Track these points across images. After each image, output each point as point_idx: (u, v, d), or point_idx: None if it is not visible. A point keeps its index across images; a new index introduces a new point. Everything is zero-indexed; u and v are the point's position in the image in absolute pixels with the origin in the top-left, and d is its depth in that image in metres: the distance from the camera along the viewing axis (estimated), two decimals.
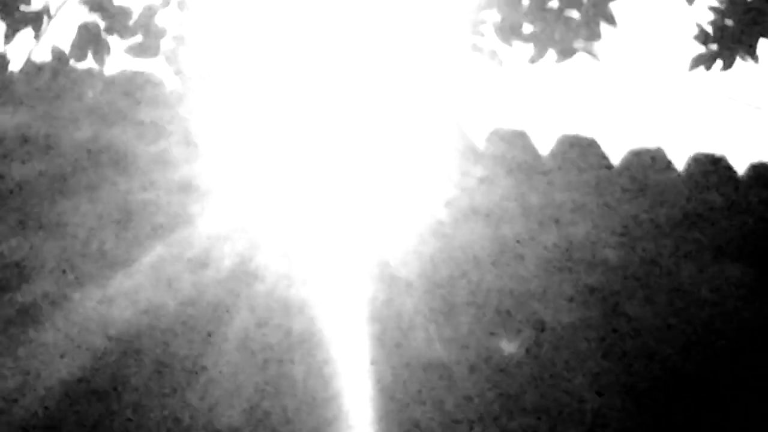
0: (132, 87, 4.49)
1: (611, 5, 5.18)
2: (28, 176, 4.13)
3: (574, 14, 5.12)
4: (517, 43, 5.22)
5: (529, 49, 5.22)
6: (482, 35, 5.21)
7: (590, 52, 5.14)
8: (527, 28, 5.12)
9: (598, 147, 4.81)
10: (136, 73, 4.57)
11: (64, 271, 3.94)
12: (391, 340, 4.10)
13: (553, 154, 4.72)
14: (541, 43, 5.13)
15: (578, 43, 5.09)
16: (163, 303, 3.86)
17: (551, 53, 5.19)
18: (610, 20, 5.23)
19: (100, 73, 4.77)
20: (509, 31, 5.12)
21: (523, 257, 4.52)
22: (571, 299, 4.52)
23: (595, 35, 5.18)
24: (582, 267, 4.51)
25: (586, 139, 4.97)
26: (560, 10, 5.10)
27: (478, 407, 4.26)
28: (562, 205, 4.64)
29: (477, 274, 4.27)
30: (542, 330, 4.44)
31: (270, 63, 5.11)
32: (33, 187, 4.13)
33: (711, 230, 4.81)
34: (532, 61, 5.20)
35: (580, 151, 4.81)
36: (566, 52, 5.15)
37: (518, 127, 4.80)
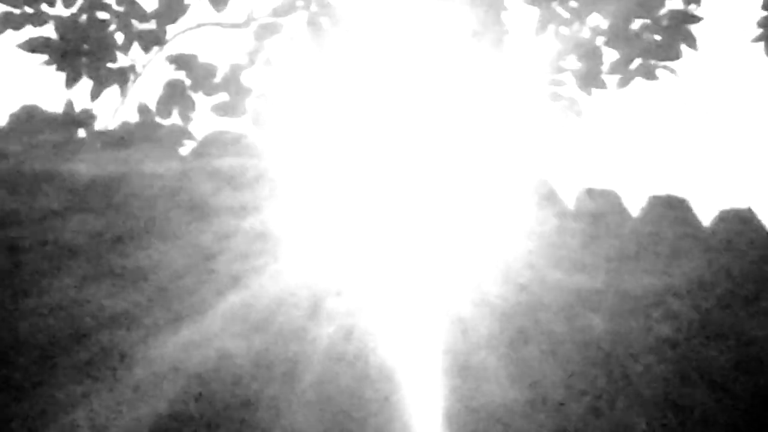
0: (215, 141, 4.56)
1: (692, 27, 5.18)
2: (109, 225, 4.20)
3: (656, 37, 5.12)
4: (595, 92, 5.25)
5: (611, 79, 5.23)
6: (562, 84, 5.22)
7: (670, 69, 5.11)
8: (610, 55, 5.11)
9: (688, 207, 4.77)
10: (220, 132, 4.67)
11: (141, 318, 3.99)
12: (465, 392, 4.07)
13: (644, 214, 4.71)
14: (624, 69, 5.11)
15: (658, 63, 5.08)
16: (238, 350, 3.87)
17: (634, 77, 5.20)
18: (691, 42, 5.19)
19: (185, 129, 4.86)
20: (590, 79, 5.12)
21: (597, 308, 4.47)
22: (644, 349, 4.44)
23: (675, 55, 5.15)
24: (656, 317, 4.43)
25: (676, 198, 4.94)
26: (640, 33, 5.09)
27: None
28: (640, 258, 4.61)
29: (551, 324, 4.23)
30: (614, 380, 4.37)
31: (348, 117, 5.18)
32: (113, 236, 4.19)
33: None
34: (619, 87, 5.17)
35: (671, 211, 4.78)
36: (648, 74, 5.11)
37: (609, 187, 4.79)
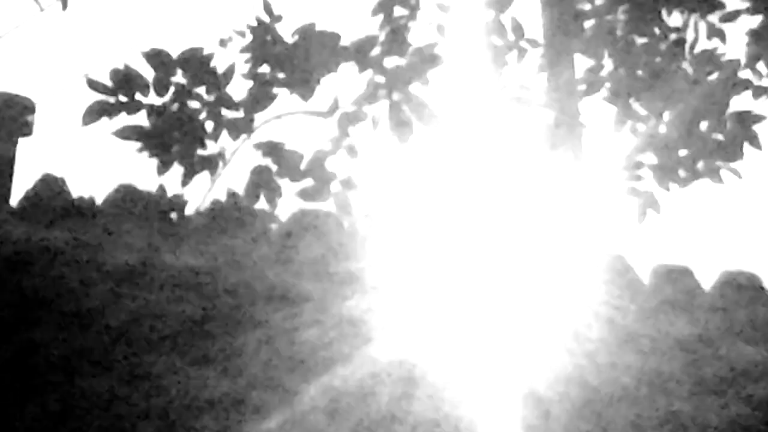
0: (299, 227, 4.65)
1: (755, 127, 5.19)
2: (201, 314, 4.29)
3: (719, 137, 5.14)
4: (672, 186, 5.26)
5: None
6: (640, 178, 5.24)
7: (733, 171, 5.12)
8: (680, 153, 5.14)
9: (759, 282, 4.78)
10: (304, 212, 4.73)
11: (237, 404, 4.08)
12: None
13: (714, 289, 4.71)
14: (690, 166, 5.13)
15: (721, 163, 5.09)
16: None
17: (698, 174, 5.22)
18: (755, 142, 5.20)
19: (272, 214, 4.95)
20: (667, 173, 5.14)
21: (672, 389, 4.46)
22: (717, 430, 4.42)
23: (737, 155, 5.15)
24: (730, 399, 4.39)
25: (745, 274, 4.93)
26: (708, 133, 5.11)
27: None
28: (716, 339, 4.60)
29: (627, 403, 4.23)
30: None
31: (429, 202, 5.24)
32: (207, 324, 4.29)
33: None
34: (683, 185, 5.19)
35: (740, 286, 4.77)
36: (712, 173, 5.12)
37: (681, 264, 4.80)
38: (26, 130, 5.46)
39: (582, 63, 5.56)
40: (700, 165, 5.22)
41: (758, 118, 5.33)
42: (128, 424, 4.01)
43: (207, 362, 4.16)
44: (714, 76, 5.22)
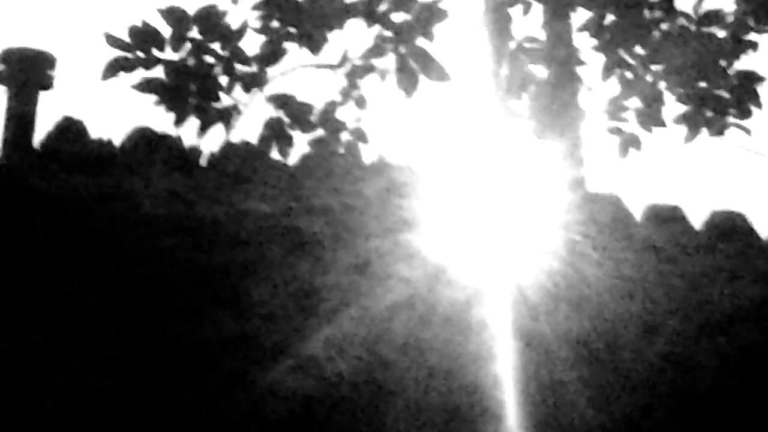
0: (316, 172, 4.86)
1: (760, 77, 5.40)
2: (220, 261, 4.51)
3: (724, 94, 5.32)
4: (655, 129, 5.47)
5: (676, 130, 5.44)
6: (624, 121, 5.45)
7: (742, 127, 5.31)
8: (677, 109, 5.33)
9: (746, 221, 5.00)
10: (317, 155, 4.93)
11: (247, 344, 4.33)
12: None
13: (705, 228, 4.93)
14: (693, 123, 5.32)
15: (730, 120, 5.28)
16: (339, 373, 4.18)
17: (703, 132, 5.40)
18: (756, 101, 5.45)
19: (284, 164, 5.15)
20: (650, 118, 5.35)
21: (661, 330, 4.70)
22: (706, 368, 4.65)
23: (745, 113, 5.34)
24: (720, 341, 4.63)
25: (734, 214, 5.18)
26: (709, 89, 5.29)
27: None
28: (706, 279, 4.82)
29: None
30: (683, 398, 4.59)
31: (435, 150, 5.44)
32: (225, 270, 4.52)
33: None
34: (686, 141, 5.39)
35: (729, 227, 5.00)
36: (719, 129, 5.32)
37: (672, 203, 5.02)
38: (47, 83, 5.64)
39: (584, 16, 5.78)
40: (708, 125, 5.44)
41: (761, 79, 5.55)
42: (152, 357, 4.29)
43: (224, 306, 4.40)
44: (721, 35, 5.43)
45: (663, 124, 5.56)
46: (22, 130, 5.37)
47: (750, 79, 5.43)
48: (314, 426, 4.35)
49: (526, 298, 4.67)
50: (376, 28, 5.78)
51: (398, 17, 5.75)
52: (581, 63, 5.49)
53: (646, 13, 5.49)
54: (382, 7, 5.73)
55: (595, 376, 4.68)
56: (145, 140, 5.01)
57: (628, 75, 5.59)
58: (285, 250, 4.64)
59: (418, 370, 4.52)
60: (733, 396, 4.88)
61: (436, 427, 4.38)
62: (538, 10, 5.74)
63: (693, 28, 5.25)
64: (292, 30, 5.77)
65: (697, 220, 5.19)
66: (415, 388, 4.47)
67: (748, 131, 5.34)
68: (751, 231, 5.10)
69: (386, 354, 4.47)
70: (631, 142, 5.70)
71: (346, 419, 4.42)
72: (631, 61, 5.51)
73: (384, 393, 4.49)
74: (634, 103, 5.63)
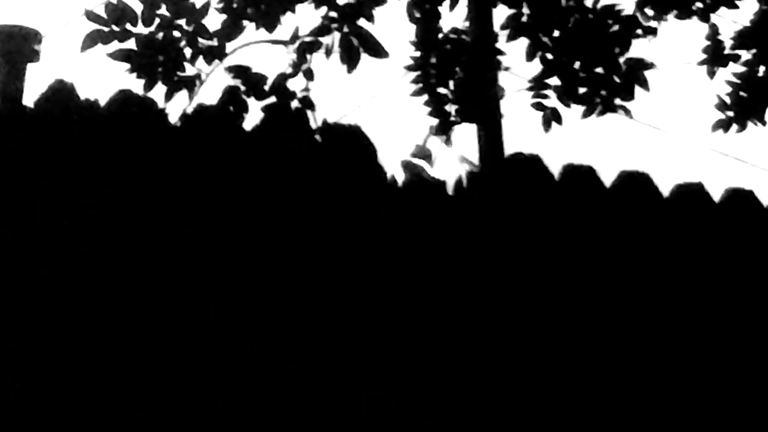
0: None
1: (646, 73, 6.23)
2: None
3: (616, 79, 6.17)
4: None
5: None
6: (546, 97, 6.28)
7: (626, 110, 6.16)
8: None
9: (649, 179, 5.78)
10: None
11: None
12: None
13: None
14: (591, 101, 6.16)
15: (617, 101, 6.13)
16: None
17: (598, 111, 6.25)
18: (644, 85, 6.25)
19: (239, 127, 5.90)
20: (568, 97, 6.18)
21: None
22: None
23: (630, 96, 6.19)
24: None
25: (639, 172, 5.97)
26: (606, 74, 6.14)
27: None
28: None
29: None
30: None
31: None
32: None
33: None
34: (584, 117, 6.23)
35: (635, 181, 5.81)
36: (608, 109, 6.17)
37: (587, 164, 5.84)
38: (34, 57, 6.39)
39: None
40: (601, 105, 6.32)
41: (649, 65, 6.43)
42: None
43: None
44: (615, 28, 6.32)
45: (581, 101, 6.41)
46: (12, 94, 6.17)
47: (639, 65, 6.30)
48: None
49: None
50: (323, 9, 6.51)
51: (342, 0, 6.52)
52: (501, 53, 6.30)
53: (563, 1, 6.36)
54: None
55: None
56: (126, 99, 5.83)
57: (549, 56, 6.43)
58: None
59: None
60: None
61: None
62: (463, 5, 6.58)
63: (591, 17, 6.12)
64: (250, 10, 6.44)
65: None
66: None
67: (628, 112, 6.19)
68: (653, 187, 5.95)
69: None
70: (553, 117, 6.49)
71: None
72: (550, 44, 6.36)
73: None
74: (554, 81, 6.44)
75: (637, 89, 6.41)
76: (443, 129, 6.57)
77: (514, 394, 5.52)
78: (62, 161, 5.70)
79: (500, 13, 6.52)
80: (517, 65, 6.39)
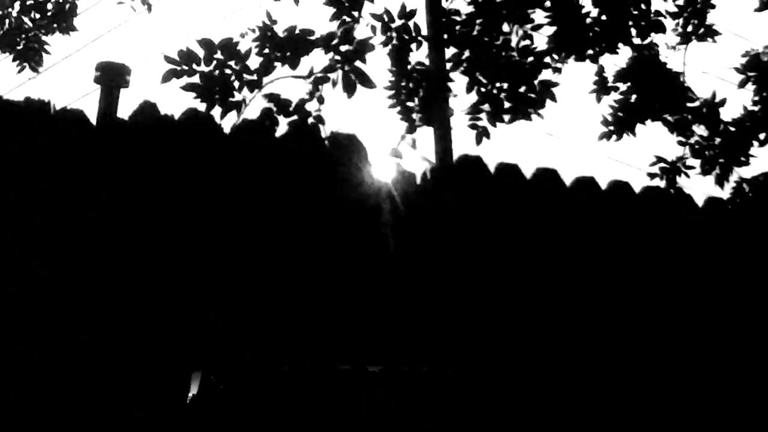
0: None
1: (554, 90, 8.33)
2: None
3: (532, 95, 8.27)
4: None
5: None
6: (479, 119, 8.47)
7: (540, 115, 8.29)
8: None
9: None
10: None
11: None
12: None
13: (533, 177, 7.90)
14: (514, 117, 8.27)
15: (532, 111, 8.23)
16: None
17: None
18: (552, 98, 8.33)
19: (272, 136, 7.94)
20: (495, 118, 8.37)
21: None
22: None
23: (542, 106, 8.28)
24: None
25: (550, 168, 8.18)
26: (525, 92, 8.25)
27: None
28: None
29: None
30: None
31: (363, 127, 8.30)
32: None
33: None
34: (509, 123, 8.31)
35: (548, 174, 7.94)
36: (527, 116, 8.26)
37: (513, 162, 8.01)
38: (125, 85, 8.44)
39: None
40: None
41: (554, 84, 8.35)
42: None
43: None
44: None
45: (504, 122, 8.53)
46: (109, 111, 8.28)
47: (548, 84, 8.19)
48: None
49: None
50: (331, 54, 8.24)
51: (344, 48, 8.21)
52: (450, 80, 8.44)
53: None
54: (334, 42, 8.24)
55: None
56: (194, 115, 7.97)
57: (484, 89, 8.39)
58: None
59: None
60: None
61: None
62: (425, 46, 8.56)
63: (516, 57, 8.18)
64: (279, 54, 8.02)
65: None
66: None
67: (541, 116, 8.04)
68: (560, 179, 8.09)
69: None
70: (484, 134, 8.33)
71: None
72: (484, 80, 8.35)
73: None
74: (487, 107, 8.36)
75: (549, 102, 8.41)
76: (411, 130, 8.36)
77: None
78: (149, 157, 7.79)
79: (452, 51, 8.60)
80: (461, 93, 8.53)
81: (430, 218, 7.44)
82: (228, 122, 8.21)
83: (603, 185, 8.66)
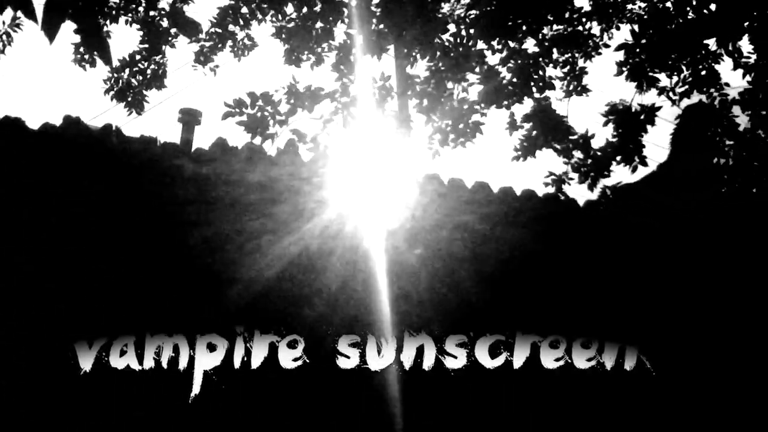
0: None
1: (482, 127, 11.59)
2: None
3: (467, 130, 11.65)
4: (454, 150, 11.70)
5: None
6: (434, 145, 12.01)
7: (472, 142, 11.60)
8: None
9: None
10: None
11: None
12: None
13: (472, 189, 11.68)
14: (455, 143, 11.86)
15: (465, 140, 11.74)
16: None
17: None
18: (480, 132, 11.51)
19: (298, 157, 11.69)
20: (444, 143, 11.97)
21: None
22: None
23: (473, 137, 11.54)
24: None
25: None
26: (463, 128, 11.53)
27: None
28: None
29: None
30: None
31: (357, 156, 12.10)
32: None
33: None
34: (453, 148, 11.73)
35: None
36: (460, 144, 11.68)
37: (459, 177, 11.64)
38: (198, 123, 12.07)
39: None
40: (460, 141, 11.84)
41: (482, 123, 11.36)
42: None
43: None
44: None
45: (450, 146, 12.28)
46: (186, 144, 11.85)
47: (477, 123, 11.21)
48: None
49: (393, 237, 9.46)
50: (335, 103, 11.40)
51: (343, 99, 11.37)
52: (411, 120, 12.08)
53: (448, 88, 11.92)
54: (336, 95, 11.33)
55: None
56: (250, 146, 11.59)
57: (436, 125, 11.83)
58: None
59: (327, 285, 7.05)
60: None
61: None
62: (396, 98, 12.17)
63: (456, 105, 11.83)
64: (299, 102, 10.89)
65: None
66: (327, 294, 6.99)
67: (474, 143, 11.16)
68: (489, 188, 11.75)
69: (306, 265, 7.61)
70: (435, 154, 11.62)
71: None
72: (436, 119, 11.76)
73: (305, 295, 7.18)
74: (437, 135, 11.87)
75: (478, 135, 11.58)
76: None
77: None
78: (218, 179, 11.45)
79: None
80: (420, 127, 12.05)
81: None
82: (266, 147, 11.50)
83: (518, 192, 11.08)
